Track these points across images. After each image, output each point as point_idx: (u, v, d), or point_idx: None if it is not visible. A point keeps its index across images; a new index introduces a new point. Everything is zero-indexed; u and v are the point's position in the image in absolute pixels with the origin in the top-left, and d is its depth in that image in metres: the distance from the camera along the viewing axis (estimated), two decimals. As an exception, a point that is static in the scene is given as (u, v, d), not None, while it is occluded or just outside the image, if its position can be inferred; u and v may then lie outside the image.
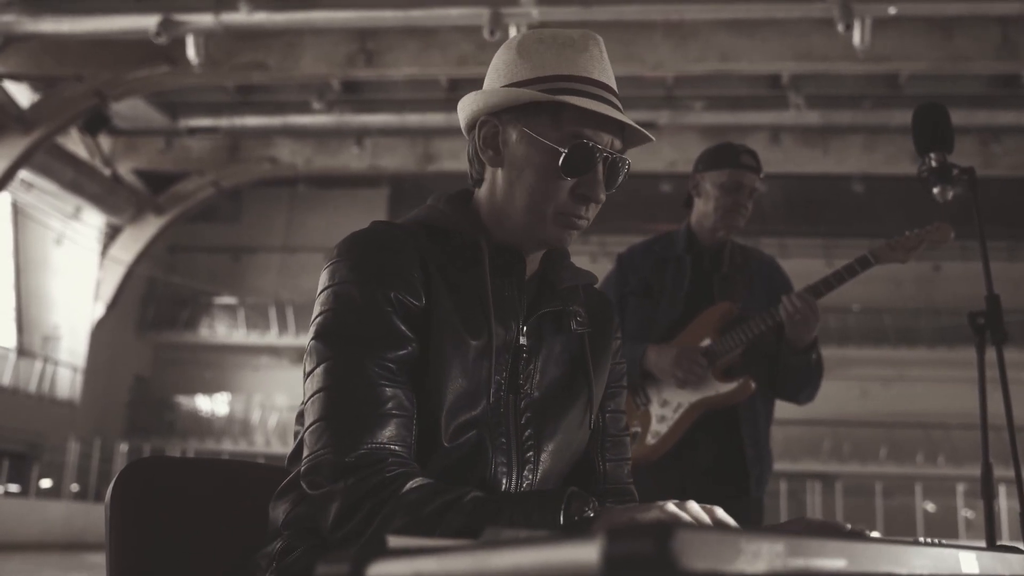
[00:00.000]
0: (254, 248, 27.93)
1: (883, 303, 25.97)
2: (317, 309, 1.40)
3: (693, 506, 1.11)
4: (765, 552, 0.62)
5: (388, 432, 1.30)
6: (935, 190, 2.35)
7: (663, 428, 3.08)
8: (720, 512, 1.14)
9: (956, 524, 22.75)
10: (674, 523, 0.64)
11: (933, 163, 2.34)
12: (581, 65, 1.45)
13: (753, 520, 3.15)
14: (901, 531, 22.99)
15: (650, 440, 3.08)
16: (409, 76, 17.61)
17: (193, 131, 22.55)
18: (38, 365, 23.56)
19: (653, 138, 1.52)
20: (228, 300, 27.46)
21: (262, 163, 23.11)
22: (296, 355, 26.35)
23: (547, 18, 15.02)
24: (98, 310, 25.30)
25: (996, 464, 2.19)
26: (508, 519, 1.19)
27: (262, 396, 26.79)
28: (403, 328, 1.36)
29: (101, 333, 25.44)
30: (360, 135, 21.84)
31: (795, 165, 21.23)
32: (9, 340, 23.24)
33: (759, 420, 3.16)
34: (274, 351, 27.18)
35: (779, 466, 23.42)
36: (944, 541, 1.01)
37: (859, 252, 2.96)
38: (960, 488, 22.53)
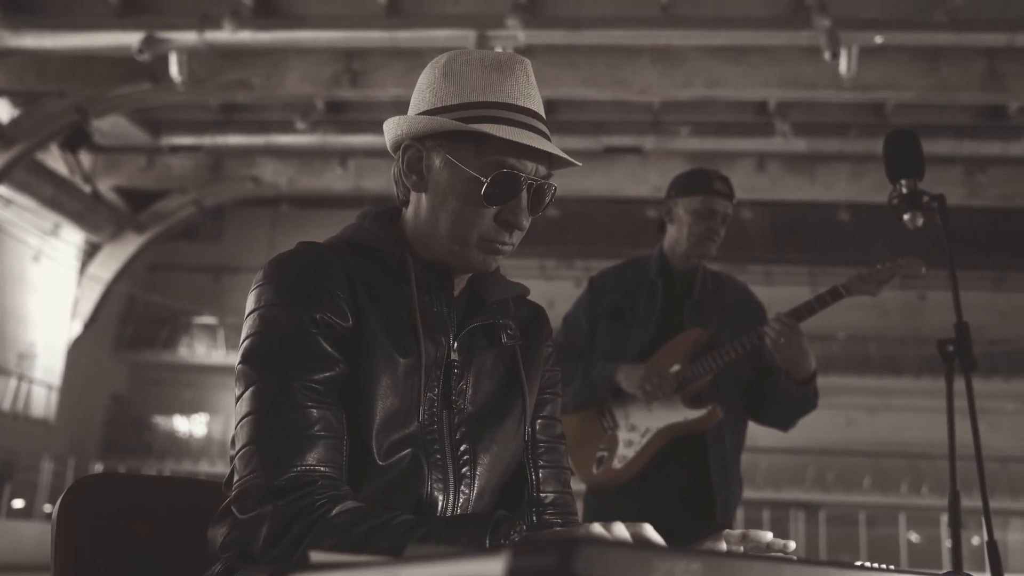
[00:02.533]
0: (235, 268, 27.76)
1: (869, 331, 25.99)
2: (244, 332, 1.40)
3: (618, 527, 1.10)
4: (680, 571, 0.61)
5: (317, 454, 1.30)
6: (905, 217, 2.37)
7: (630, 452, 3.07)
8: (648, 530, 1.11)
9: (940, 555, 22.67)
10: (580, 538, 0.57)
11: (903, 190, 2.37)
12: (506, 91, 1.45)
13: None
14: (884, 561, 22.83)
15: (616, 464, 3.07)
16: (394, 97, 17.47)
17: (175, 149, 22.41)
18: (13, 383, 23.26)
19: (579, 163, 1.49)
20: (208, 320, 27.29)
21: (244, 182, 22.97)
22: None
23: (533, 41, 14.99)
24: (75, 328, 25.05)
25: (976, 495, 2.17)
26: (435, 542, 1.19)
27: (241, 417, 26.47)
28: (330, 349, 1.37)
29: (78, 351, 25.18)
30: (344, 156, 21.75)
31: (781, 192, 21.23)
32: (-16, 358, 22.94)
33: (727, 447, 3.13)
34: (254, 372, 26.88)
35: (762, 494, 23.40)
36: (888, 566, 0.96)
37: (844, 280, 2.94)
38: (944, 519, 22.41)
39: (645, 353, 3.13)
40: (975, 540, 19.59)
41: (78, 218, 23.61)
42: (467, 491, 1.45)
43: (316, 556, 0.74)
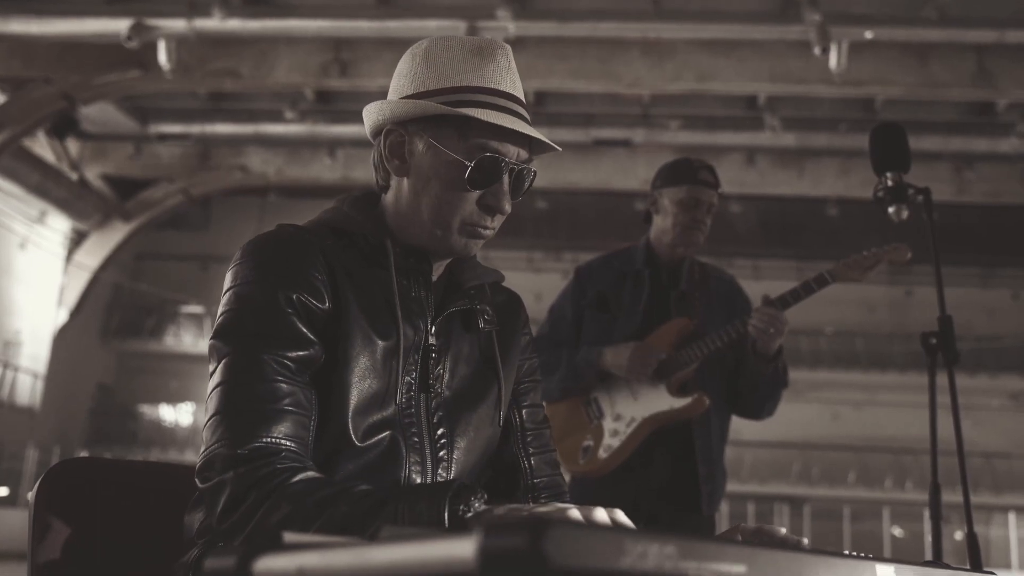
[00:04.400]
0: (222, 257, 27.64)
1: (855, 327, 26.08)
2: (220, 309, 1.41)
3: (599, 512, 1.10)
4: (653, 553, 0.61)
5: (283, 428, 1.30)
6: (890, 210, 2.40)
7: (615, 442, 3.06)
8: (620, 515, 1.11)
9: (923, 549, 22.79)
10: (551, 519, 0.59)
11: (889, 183, 2.38)
12: (488, 76, 1.45)
13: None
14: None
15: (602, 454, 3.07)
16: (383, 87, 16.99)
17: (163, 137, 22.30)
18: (-3, 371, 23.21)
19: (559, 148, 1.50)
20: (195, 309, 27.21)
21: (233, 172, 22.89)
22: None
23: (523, 32, 14.97)
24: (61, 316, 24.95)
25: (959, 490, 2.20)
26: (393, 510, 1.17)
27: (227, 407, 26.43)
28: (304, 330, 1.36)
29: (64, 340, 25.08)
30: (333, 146, 21.68)
31: (770, 187, 21.26)
32: (-31, 345, 22.86)
33: (713, 437, 3.13)
34: (241, 362, 26.86)
35: (747, 488, 23.47)
36: (867, 554, 0.95)
37: (831, 267, 2.94)
38: (927, 513, 22.53)
39: (631, 342, 3.11)
40: (958, 535, 19.68)
41: (65, 206, 23.50)
42: (444, 474, 1.45)
43: (290, 537, 0.74)
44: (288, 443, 1.29)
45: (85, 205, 23.81)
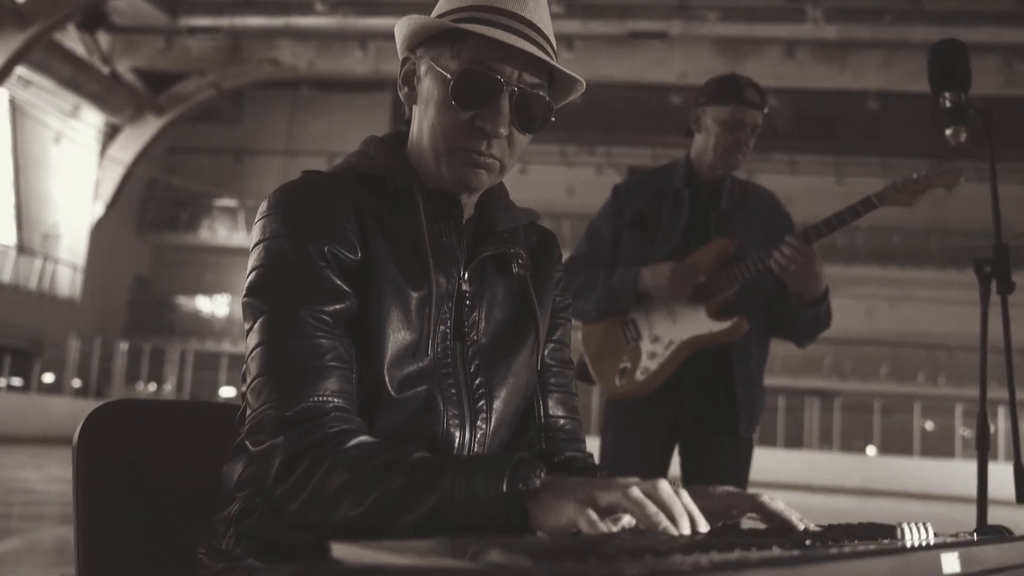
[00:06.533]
0: (255, 150, 27.66)
1: (893, 222, 25.77)
2: (250, 265, 1.36)
3: (664, 488, 1.03)
4: None
5: (329, 385, 1.28)
6: (948, 131, 2.25)
7: (653, 364, 3.02)
8: (686, 498, 1.04)
9: (953, 443, 22.93)
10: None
11: (947, 103, 2.25)
12: None
13: (742, 459, 3.11)
14: (897, 448, 23.17)
15: (639, 376, 3.03)
16: None
17: (193, 30, 22.13)
18: (38, 263, 23.59)
19: (582, 80, 1.42)
20: (228, 203, 27.36)
21: (263, 65, 22.72)
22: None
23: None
24: (97, 210, 25.20)
25: (993, 386, 2.23)
26: (450, 484, 1.14)
27: (262, 299, 26.87)
28: (338, 283, 1.33)
29: (101, 233, 25.41)
30: (364, 39, 21.42)
31: (810, 80, 20.82)
32: (9, 238, 23.26)
33: (752, 360, 3.08)
34: (275, 254, 27.19)
35: (778, 381, 23.58)
36: (929, 540, 0.90)
37: (871, 171, 2.85)
38: (959, 408, 22.65)
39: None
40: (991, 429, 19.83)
41: (97, 100, 23.51)
42: (483, 426, 1.42)
43: (338, 550, 0.70)
44: (336, 400, 1.27)
45: (117, 99, 23.80)
